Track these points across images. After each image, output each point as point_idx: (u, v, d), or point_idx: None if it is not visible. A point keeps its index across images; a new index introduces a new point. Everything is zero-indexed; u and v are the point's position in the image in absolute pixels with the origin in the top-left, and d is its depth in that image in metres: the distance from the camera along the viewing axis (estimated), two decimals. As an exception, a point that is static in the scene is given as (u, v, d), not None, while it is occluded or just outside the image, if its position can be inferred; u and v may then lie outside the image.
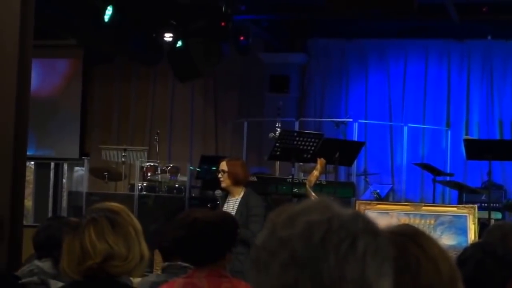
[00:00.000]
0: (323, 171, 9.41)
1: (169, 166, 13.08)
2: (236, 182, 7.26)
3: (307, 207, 1.34)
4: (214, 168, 8.88)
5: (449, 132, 14.17)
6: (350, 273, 1.29)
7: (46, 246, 4.35)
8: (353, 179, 13.10)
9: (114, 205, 3.20)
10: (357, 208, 8.91)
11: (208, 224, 3.68)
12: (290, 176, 9.91)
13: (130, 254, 3.07)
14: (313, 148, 9.30)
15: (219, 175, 7.30)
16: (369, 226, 1.34)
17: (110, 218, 3.09)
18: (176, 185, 12.85)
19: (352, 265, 1.29)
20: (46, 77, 15.15)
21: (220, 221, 3.72)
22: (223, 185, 7.30)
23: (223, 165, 7.33)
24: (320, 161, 8.59)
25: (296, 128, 13.09)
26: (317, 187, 9.09)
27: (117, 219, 3.10)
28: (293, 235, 1.30)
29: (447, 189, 13.52)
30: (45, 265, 4.30)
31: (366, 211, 8.70)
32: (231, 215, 4.56)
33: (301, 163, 11.23)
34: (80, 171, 14.67)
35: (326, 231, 1.29)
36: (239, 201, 7.24)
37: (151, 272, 6.70)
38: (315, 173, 8.57)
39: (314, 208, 1.33)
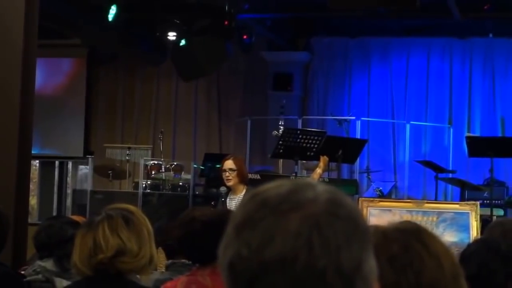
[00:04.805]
0: (326, 169, 9.45)
1: (173, 164, 13.10)
2: (243, 179, 7.28)
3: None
4: (217, 166, 8.90)
5: (451, 130, 14.19)
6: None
7: (48, 246, 4.34)
8: (356, 176, 13.12)
9: (129, 206, 3.26)
10: (360, 205, 8.95)
11: (205, 223, 3.67)
12: (293, 174, 9.92)
13: (141, 252, 3.13)
14: (316, 146, 9.31)
15: (227, 174, 7.26)
16: (334, 207, 1.31)
17: (125, 216, 3.15)
18: (180, 183, 12.87)
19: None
20: (51, 76, 15.18)
21: (217, 219, 3.68)
22: (230, 183, 7.27)
23: (230, 164, 7.31)
24: (323, 159, 8.64)
25: (299, 126, 13.11)
26: (320, 184, 9.11)
27: (131, 218, 3.16)
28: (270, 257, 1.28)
29: (449, 186, 13.52)
30: (48, 264, 4.30)
31: (368, 208, 8.73)
32: (230, 212, 4.55)
33: (304, 161, 11.24)
34: (84, 169, 14.69)
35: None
36: (241, 199, 7.25)
37: (155, 269, 6.72)
38: (318, 170, 8.61)
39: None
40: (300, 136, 9.42)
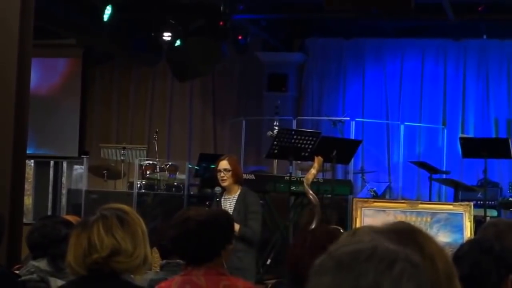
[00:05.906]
0: (321, 169, 9.45)
1: (168, 164, 13.12)
2: (238, 180, 7.26)
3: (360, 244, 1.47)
4: (212, 166, 8.91)
5: (445, 131, 14.23)
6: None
7: (41, 245, 4.32)
8: (350, 177, 13.14)
9: (124, 206, 3.27)
10: (354, 205, 8.98)
11: (200, 222, 3.66)
12: (288, 174, 9.94)
13: (135, 251, 3.13)
14: (310, 146, 9.32)
15: (222, 174, 7.23)
16: (410, 257, 1.45)
17: (120, 216, 3.16)
18: (175, 183, 12.89)
19: (388, 282, 1.37)
20: (46, 76, 15.16)
21: (212, 219, 3.69)
22: (225, 184, 7.24)
23: (225, 164, 7.27)
24: (318, 159, 8.65)
25: (294, 126, 13.13)
26: (315, 185, 9.13)
27: (126, 218, 3.16)
28: (343, 252, 1.42)
29: (443, 187, 13.56)
30: (41, 263, 4.29)
31: (363, 208, 8.76)
32: (225, 212, 4.52)
33: (299, 161, 11.25)
34: (79, 169, 14.69)
35: (372, 253, 1.41)
36: (236, 199, 7.23)
37: (149, 269, 6.71)
38: (313, 171, 8.62)
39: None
40: (295, 137, 9.43)
